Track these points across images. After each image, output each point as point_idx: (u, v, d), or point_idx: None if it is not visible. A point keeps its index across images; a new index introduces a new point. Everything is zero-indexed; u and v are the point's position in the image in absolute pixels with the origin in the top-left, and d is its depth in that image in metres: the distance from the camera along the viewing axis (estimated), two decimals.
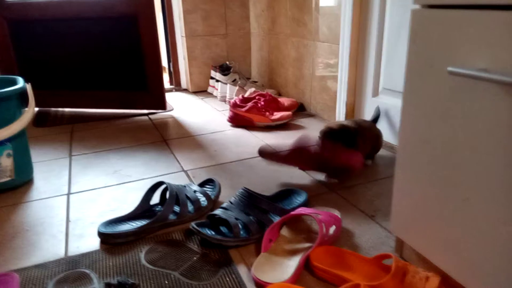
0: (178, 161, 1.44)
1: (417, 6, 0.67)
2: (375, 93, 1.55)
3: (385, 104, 1.48)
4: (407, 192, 0.76)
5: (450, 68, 0.59)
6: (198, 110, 2.15)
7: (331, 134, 1.25)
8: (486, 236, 0.61)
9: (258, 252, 0.88)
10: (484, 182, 0.59)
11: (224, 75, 2.34)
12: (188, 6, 2.38)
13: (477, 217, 0.62)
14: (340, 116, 1.74)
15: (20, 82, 1.23)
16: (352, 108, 1.70)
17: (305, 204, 1.07)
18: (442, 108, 0.65)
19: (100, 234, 0.95)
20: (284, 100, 2.00)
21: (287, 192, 1.12)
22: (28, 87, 1.24)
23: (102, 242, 0.95)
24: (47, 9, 1.95)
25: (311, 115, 1.96)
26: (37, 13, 1.96)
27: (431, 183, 0.70)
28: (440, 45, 0.63)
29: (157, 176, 1.31)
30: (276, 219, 0.96)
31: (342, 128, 1.26)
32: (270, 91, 2.16)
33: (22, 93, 1.22)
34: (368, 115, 1.59)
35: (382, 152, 1.40)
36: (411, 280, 0.71)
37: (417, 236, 0.76)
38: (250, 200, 1.00)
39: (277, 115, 1.82)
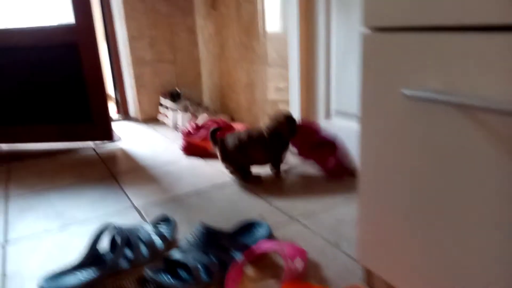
0: (128, 197, 1.34)
1: (366, 30, 0.66)
2: (327, 115, 1.56)
3: (338, 127, 1.50)
4: (371, 220, 0.74)
5: (405, 91, 0.58)
6: (149, 140, 2.05)
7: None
8: (454, 262, 0.59)
9: None
10: (447, 208, 0.59)
11: (174, 102, 2.27)
12: (134, 33, 2.31)
13: (444, 243, 0.60)
14: None
15: None
16: None
17: (268, 236, 1.02)
18: (400, 132, 0.64)
19: None
20: (239, 126, 1.96)
21: (248, 225, 1.07)
22: None
23: None
24: None
25: None
26: None
27: (395, 210, 0.68)
28: (394, 68, 0.63)
29: (104, 216, 1.21)
30: (238, 255, 0.91)
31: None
32: (222, 117, 2.12)
33: None
34: None
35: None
36: None
37: (384, 265, 0.74)
38: (209, 237, 0.93)
39: None
